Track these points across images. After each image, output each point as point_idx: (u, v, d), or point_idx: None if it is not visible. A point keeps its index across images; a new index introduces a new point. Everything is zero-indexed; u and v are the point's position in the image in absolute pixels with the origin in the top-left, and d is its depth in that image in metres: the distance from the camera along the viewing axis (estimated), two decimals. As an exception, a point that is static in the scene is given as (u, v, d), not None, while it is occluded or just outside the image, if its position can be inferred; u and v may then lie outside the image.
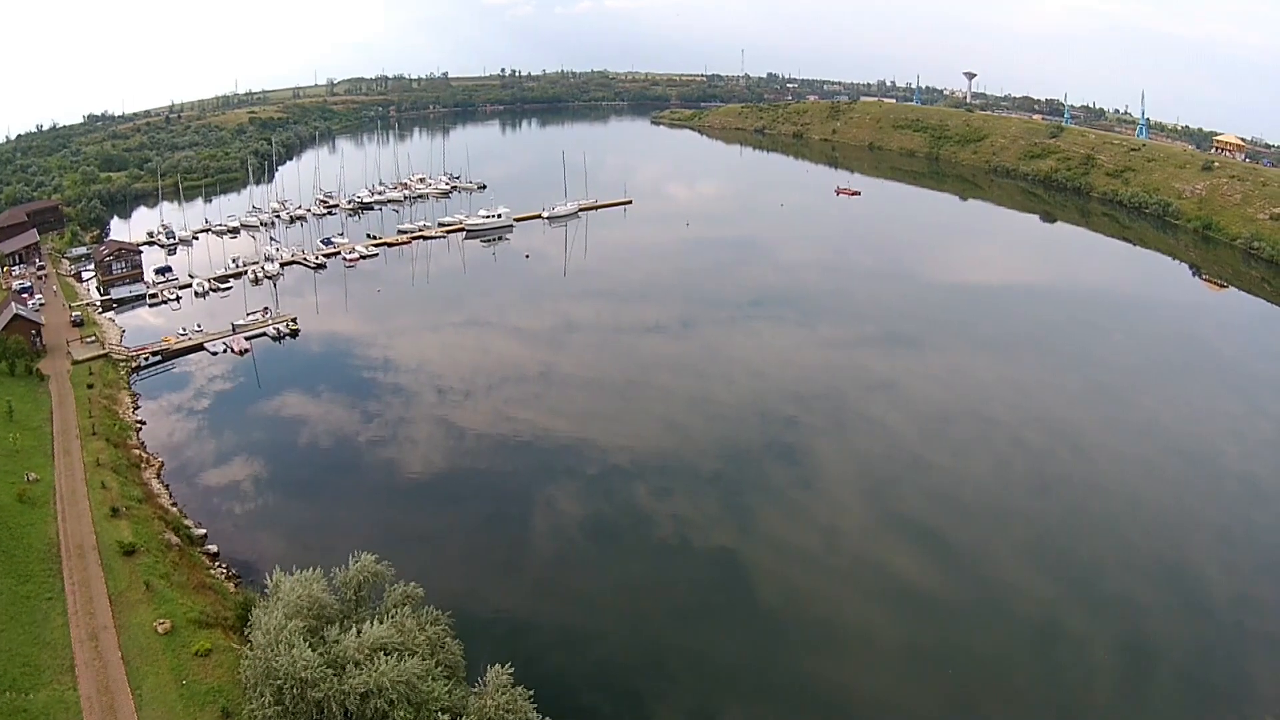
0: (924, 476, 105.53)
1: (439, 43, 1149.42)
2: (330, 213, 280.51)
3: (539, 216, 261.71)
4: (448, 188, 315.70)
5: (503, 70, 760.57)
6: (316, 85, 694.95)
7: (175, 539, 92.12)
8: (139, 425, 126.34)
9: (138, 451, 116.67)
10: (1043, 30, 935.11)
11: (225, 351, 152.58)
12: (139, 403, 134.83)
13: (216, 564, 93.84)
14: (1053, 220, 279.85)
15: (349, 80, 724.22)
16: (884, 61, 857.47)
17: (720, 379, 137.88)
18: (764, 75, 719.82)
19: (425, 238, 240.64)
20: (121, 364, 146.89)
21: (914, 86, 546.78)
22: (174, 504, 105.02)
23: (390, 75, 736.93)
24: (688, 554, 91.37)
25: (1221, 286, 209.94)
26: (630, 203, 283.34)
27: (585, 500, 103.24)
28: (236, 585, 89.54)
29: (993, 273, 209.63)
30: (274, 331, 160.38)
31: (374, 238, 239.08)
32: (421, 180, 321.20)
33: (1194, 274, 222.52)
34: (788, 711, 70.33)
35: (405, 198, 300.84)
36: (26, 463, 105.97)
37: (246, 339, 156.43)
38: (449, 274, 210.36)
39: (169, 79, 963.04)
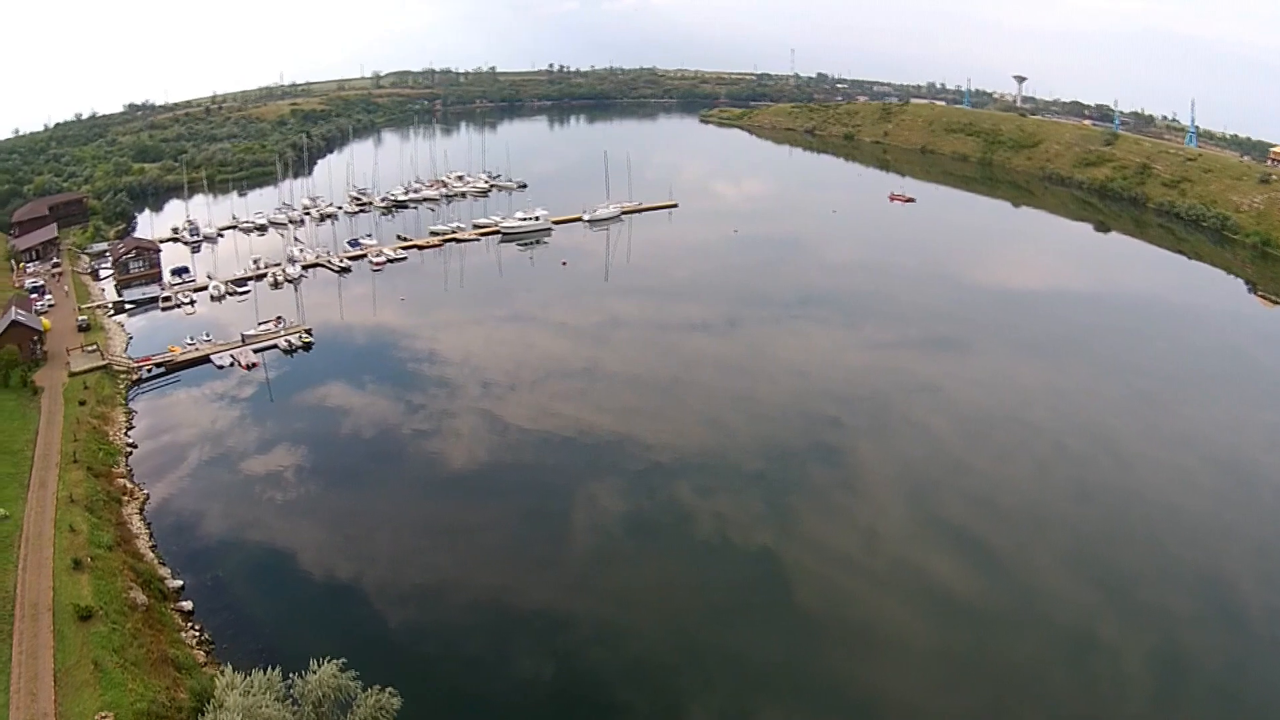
0: (965, 480, 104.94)
1: (485, 37, 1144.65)
2: (363, 211, 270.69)
3: (579, 219, 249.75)
4: (486, 186, 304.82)
5: (550, 65, 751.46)
6: (362, 78, 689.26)
7: (143, 597, 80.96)
8: (129, 450, 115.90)
9: (123, 481, 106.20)
10: (1087, 32, 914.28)
11: (232, 365, 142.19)
12: (133, 422, 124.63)
13: (190, 625, 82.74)
14: (1107, 230, 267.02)
15: (395, 73, 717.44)
16: (933, 64, 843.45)
17: (764, 378, 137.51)
18: (814, 75, 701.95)
19: (458, 240, 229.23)
20: (122, 376, 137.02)
21: (963, 89, 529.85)
22: (153, 546, 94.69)
23: (437, 69, 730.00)
24: (728, 553, 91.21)
25: (1275, 303, 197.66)
26: (676, 205, 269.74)
27: (627, 497, 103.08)
28: (208, 654, 78.92)
29: (1041, 279, 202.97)
30: (285, 344, 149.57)
31: (404, 239, 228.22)
32: (459, 178, 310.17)
33: (1249, 290, 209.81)
34: (822, 714, 70.99)
35: (442, 196, 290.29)
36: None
37: (256, 351, 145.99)
38: (481, 280, 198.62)
39: (213, 70, 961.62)
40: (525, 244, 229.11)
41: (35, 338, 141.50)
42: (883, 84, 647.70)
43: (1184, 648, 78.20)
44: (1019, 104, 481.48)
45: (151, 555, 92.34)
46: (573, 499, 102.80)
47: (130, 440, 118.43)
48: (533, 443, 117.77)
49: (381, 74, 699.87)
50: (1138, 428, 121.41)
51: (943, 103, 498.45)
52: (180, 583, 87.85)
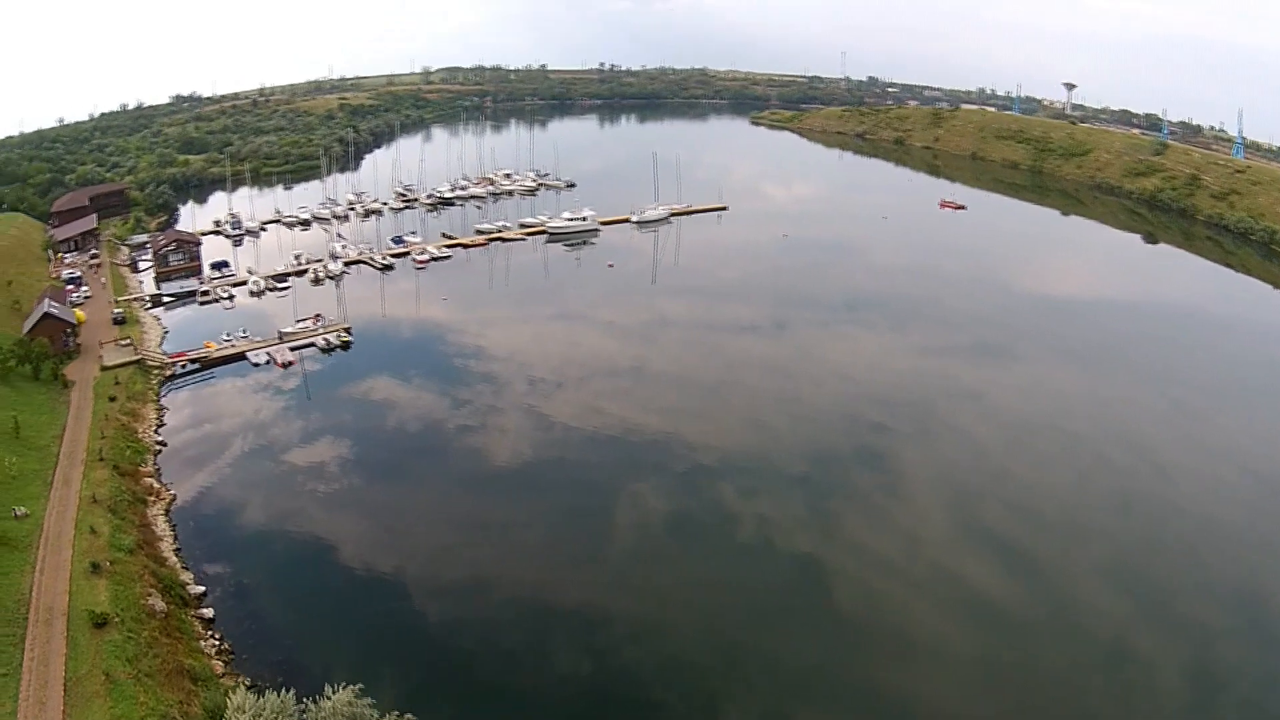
0: (1006, 488, 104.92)
1: (537, 34, 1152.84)
2: (408, 208, 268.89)
3: (627, 220, 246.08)
4: (534, 185, 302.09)
5: (601, 64, 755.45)
6: (411, 73, 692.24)
7: (161, 604, 77.90)
8: (158, 448, 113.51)
9: (149, 480, 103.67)
10: (1134, 40, 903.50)
11: (268, 363, 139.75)
12: (164, 419, 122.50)
13: (209, 633, 79.63)
14: (1155, 241, 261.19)
15: (445, 69, 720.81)
16: (982, 70, 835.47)
17: (809, 381, 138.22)
18: (864, 79, 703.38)
19: (504, 239, 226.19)
20: (154, 372, 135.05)
21: (1013, 95, 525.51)
22: (177, 549, 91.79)
23: (487, 66, 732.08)
24: (768, 555, 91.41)
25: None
26: (725, 208, 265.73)
27: (670, 496, 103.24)
28: (227, 664, 75.72)
29: (1088, 288, 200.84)
30: (323, 342, 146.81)
31: (449, 237, 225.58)
32: (507, 176, 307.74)
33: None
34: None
35: (488, 194, 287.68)
36: (20, 493, 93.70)
37: (293, 349, 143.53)
38: (526, 280, 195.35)
39: (262, 62, 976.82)
40: (572, 244, 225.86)
41: (68, 330, 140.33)
42: (933, 89, 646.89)
43: (1218, 661, 77.59)
44: (1068, 111, 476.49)
45: (174, 559, 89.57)
46: (616, 497, 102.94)
47: (160, 438, 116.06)
48: (577, 440, 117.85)
49: (432, 70, 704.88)
50: (1178, 439, 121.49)
51: (993, 109, 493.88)
52: (202, 589, 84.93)
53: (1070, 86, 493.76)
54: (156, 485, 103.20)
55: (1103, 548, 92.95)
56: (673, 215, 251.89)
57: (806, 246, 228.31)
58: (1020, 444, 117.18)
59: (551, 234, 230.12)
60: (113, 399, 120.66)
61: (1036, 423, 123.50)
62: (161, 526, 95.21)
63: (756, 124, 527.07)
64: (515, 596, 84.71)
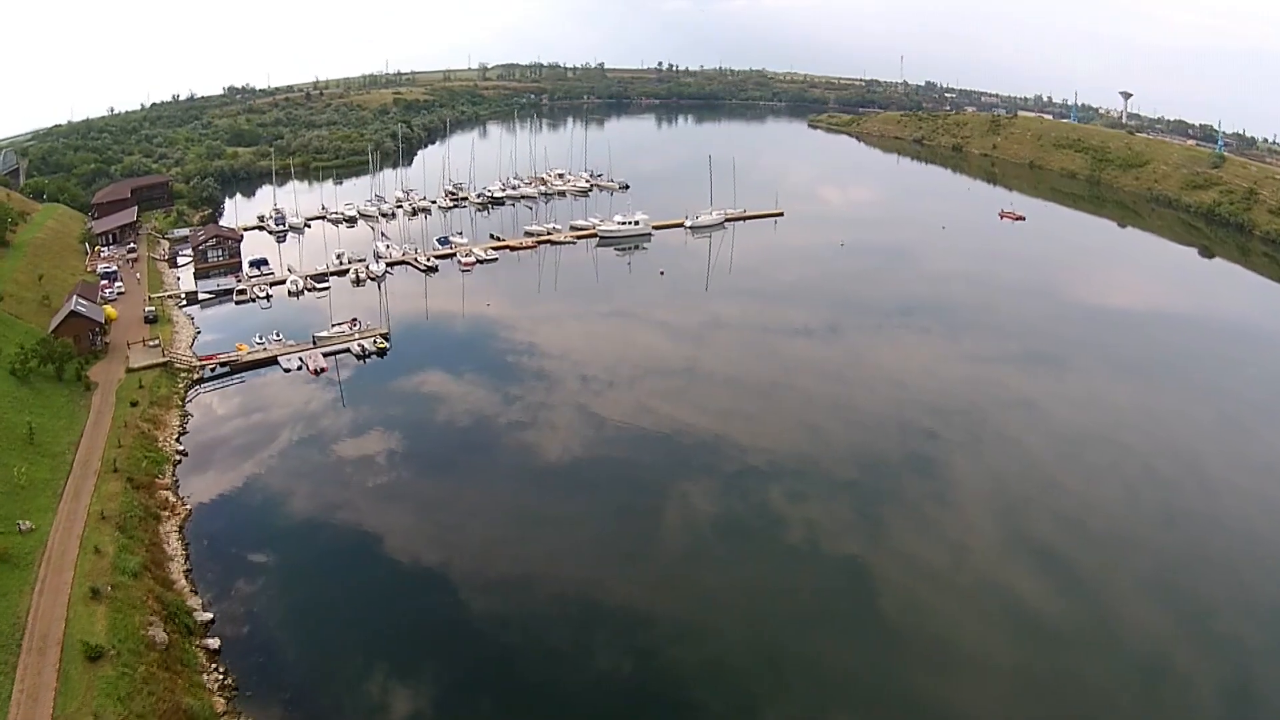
0: (1055, 500, 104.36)
1: (595, 32, 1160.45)
2: (458, 206, 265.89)
3: (680, 225, 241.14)
4: (587, 186, 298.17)
5: (659, 64, 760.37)
6: (469, 69, 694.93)
7: (162, 634, 73.28)
8: (178, 458, 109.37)
9: (165, 493, 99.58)
10: (1187, 49, 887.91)
11: (300, 369, 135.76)
12: (187, 426, 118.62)
13: (214, 666, 74.88)
14: (1211, 256, 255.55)
15: (502, 66, 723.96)
16: (1039, 76, 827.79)
17: (862, 386, 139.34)
18: (922, 83, 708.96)
19: (553, 242, 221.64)
20: (182, 375, 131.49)
21: (1070, 103, 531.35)
22: (188, 570, 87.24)
23: (545, 63, 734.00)
24: (815, 560, 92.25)
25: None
26: (781, 214, 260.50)
27: (719, 498, 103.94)
28: (229, 700, 71.07)
29: (1141, 300, 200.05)
30: (359, 348, 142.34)
31: (497, 239, 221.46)
32: (560, 176, 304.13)
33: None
34: (897, 728, 71.56)
35: (540, 195, 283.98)
36: (28, 504, 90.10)
37: (326, 355, 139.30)
38: (575, 285, 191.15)
39: (317, 55, 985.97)
40: (623, 249, 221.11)
41: (95, 329, 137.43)
42: (990, 94, 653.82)
43: (1258, 681, 77.11)
44: (1124, 120, 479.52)
45: (183, 582, 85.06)
46: (665, 497, 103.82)
47: (181, 447, 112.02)
48: (629, 439, 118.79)
49: (489, 66, 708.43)
50: (1226, 454, 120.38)
51: (1050, 116, 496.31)
52: (210, 616, 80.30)
53: (1127, 95, 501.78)
54: (172, 499, 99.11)
55: (1147, 562, 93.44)
56: (728, 220, 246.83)
57: (863, 252, 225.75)
58: (1069, 455, 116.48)
59: (603, 238, 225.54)
60: (134, 404, 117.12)
61: (1086, 433, 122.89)
62: (174, 544, 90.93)
63: (814, 127, 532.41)
64: (561, 594, 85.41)
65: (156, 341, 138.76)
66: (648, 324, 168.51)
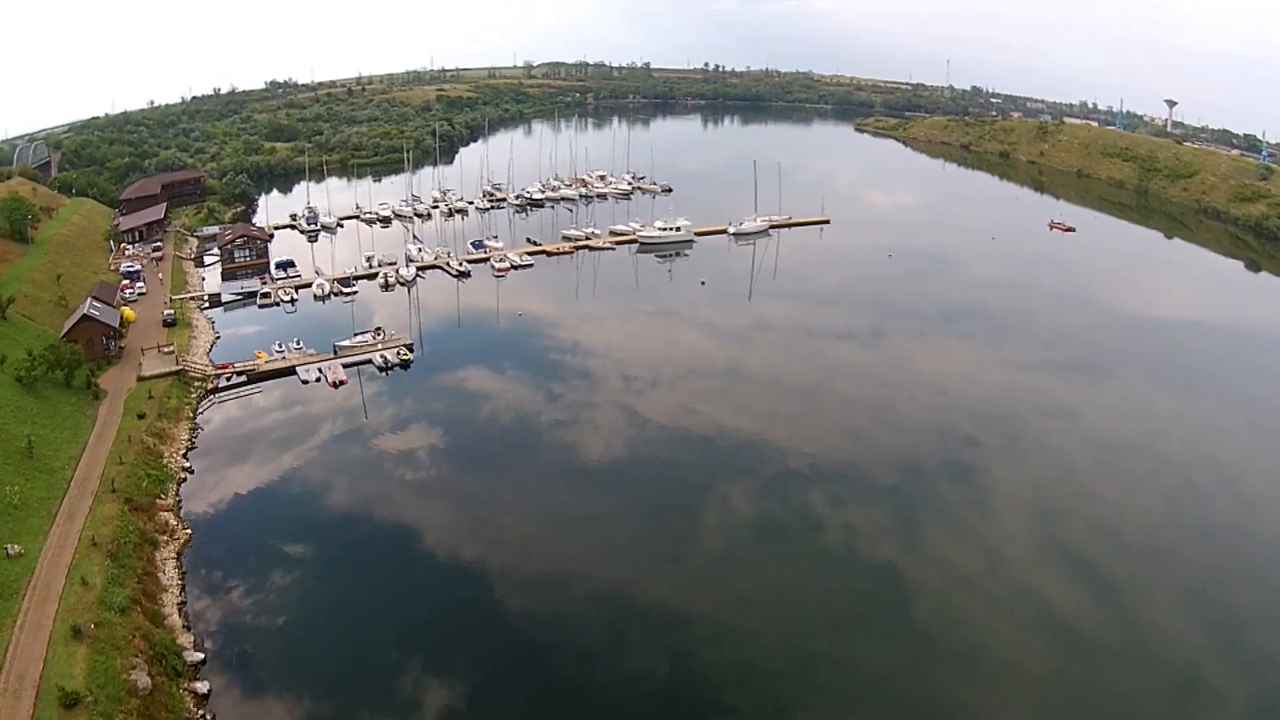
0: (1091, 509, 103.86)
1: (641, 32, 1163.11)
2: (496, 208, 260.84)
3: (724, 231, 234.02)
4: (629, 189, 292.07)
5: (706, 64, 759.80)
6: (514, 67, 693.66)
7: (146, 678, 67.81)
8: (183, 475, 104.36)
9: (165, 516, 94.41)
10: (1232, 55, 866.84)
11: (318, 381, 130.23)
12: (196, 440, 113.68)
13: (200, 713, 69.43)
14: (1257, 269, 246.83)
15: (548, 64, 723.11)
16: (1084, 82, 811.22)
17: (904, 391, 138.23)
18: (968, 88, 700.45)
19: (591, 248, 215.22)
20: (195, 385, 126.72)
21: (1115, 110, 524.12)
22: (181, 604, 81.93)
23: (590, 61, 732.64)
24: (851, 564, 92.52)
25: None
26: (827, 221, 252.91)
27: (758, 500, 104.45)
28: (215, 752, 65.85)
29: (1185, 311, 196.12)
30: (381, 360, 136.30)
31: (533, 243, 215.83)
32: (601, 178, 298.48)
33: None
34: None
35: (580, 197, 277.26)
36: (19, 526, 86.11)
37: (347, 366, 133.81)
38: (612, 293, 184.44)
39: (361, 50, 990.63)
40: (664, 256, 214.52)
41: (108, 334, 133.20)
42: (1035, 100, 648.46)
43: None
44: (1169, 129, 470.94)
45: (176, 617, 79.72)
46: (704, 497, 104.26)
47: (186, 464, 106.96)
48: (670, 442, 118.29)
49: (534, 64, 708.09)
50: (1264, 468, 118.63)
51: (1095, 123, 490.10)
52: (201, 656, 74.81)
53: (1171, 103, 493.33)
54: (173, 522, 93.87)
55: (1182, 573, 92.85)
56: (772, 227, 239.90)
57: (910, 258, 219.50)
58: (1107, 464, 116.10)
59: (643, 244, 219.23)
60: (142, 416, 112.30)
61: (1125, 443, 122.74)
62: (169, 573, 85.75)
63: (861, 130, 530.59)
64: (596, 593, 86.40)
65: (171, 348, 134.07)
66: (690, 325, 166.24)
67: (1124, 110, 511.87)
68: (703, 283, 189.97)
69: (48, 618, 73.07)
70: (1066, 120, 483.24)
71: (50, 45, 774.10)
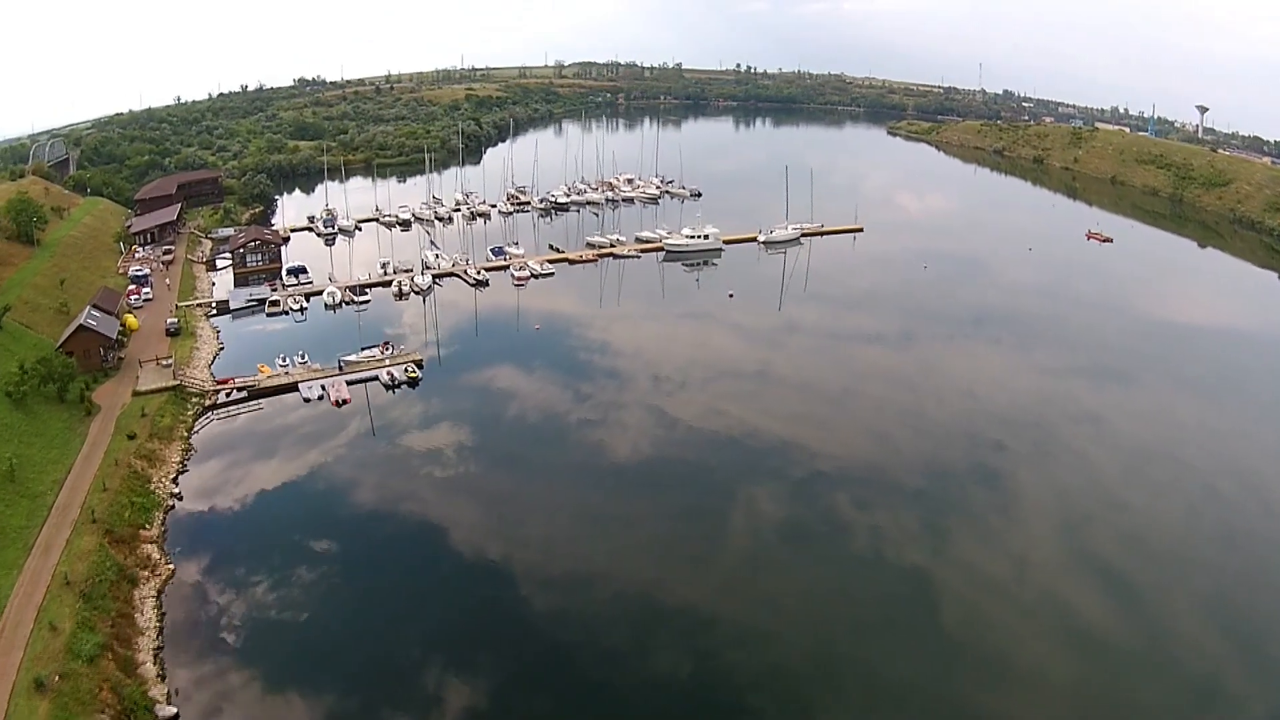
0: (1118, 516, 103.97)
1: (673, 32, 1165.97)
2: (520, 211, 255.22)
3: (753, 240, 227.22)
4: (657, 193, 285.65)
5: (738, 65, 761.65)
6: (545, 66, 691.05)
7: (112, 736, 62.53)
8: (171, 503, 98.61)
9: (148, 549, 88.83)
10: (1258, 60, 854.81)
11: (321, 399, 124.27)
12: (187, 463, 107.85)
13: (169, 773, 64.07)
14: None
15: (579, 64, 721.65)
16: (1116, 87, 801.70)
17: (932, 395, 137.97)
18: (999, 92, 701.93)
19: (615, 256, 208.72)
20: (193, 401, 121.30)
21: (1147, 116, 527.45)
22: (157, 649, 76.14)
23: (622, 62, 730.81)
24: (878, 568, 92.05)
25: None
26: (861, 229, 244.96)
27: (786, 503, 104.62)
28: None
29: (1215, 320, 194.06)
30: (388, 377, 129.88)
31: (555, 250, 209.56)
32: (629, 181, 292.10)
33: None
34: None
35: (607, 201, 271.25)
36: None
37: (351, 384, 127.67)
38: (636, 305, 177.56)
39: (392, 49, 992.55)
40: (691, 264, 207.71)
41: (107, 344, 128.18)
42: (1067, 105, 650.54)
43: None
44: (1200, 135, 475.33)
45: (150, 664, 73.92)
46: (732, 499, 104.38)
47: (176, 490, 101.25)
48: (700, 446, 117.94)
49: (565, 64, 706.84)
50: None
51: (1127, 129, 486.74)
52: (173, 711, 68.87)
53: (1203, 109, 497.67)
54: (155, 556, 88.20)
55: (1207, 582, 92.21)
56: (804, 235, 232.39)
57: (946, 268, 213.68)
58: (1134, 471, 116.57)
59: (669, 252, 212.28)
60: (132, 436, 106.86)
61: (1152, 450, 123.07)
62: (147, 613, 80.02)
63: (894, 134, 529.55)
64: (623, 593, 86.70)
65: (169, 361, 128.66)
66: (719, 328, 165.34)
67: (1155, 116, 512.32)
68: (731, 295, 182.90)
69: (12, 666, 68.01)
70: (1099, 126, 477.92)
71: (83, 41, 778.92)
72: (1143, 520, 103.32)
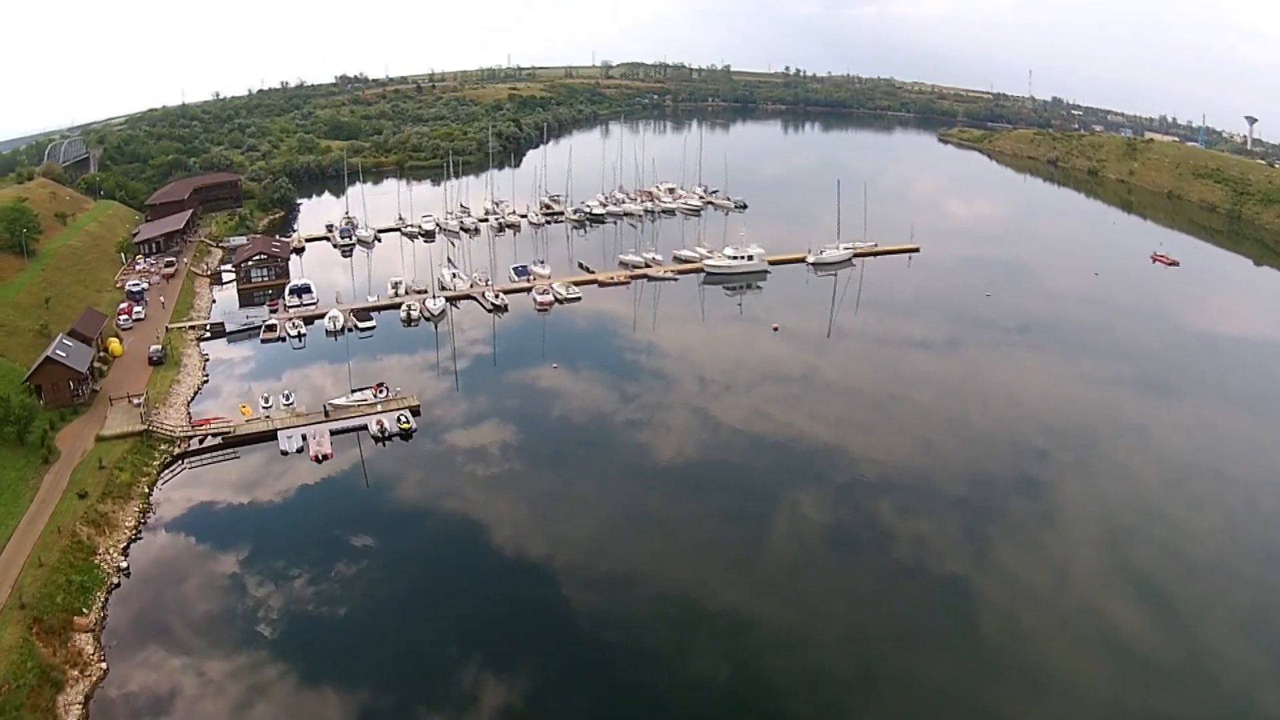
0: (1159, 529, 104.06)
1: (721, 34, 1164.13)
2: (552, 222, 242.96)
3: (802, 260, 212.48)
4: (700, 204, 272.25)
5: (786, 68, 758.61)
6: (592, 66, 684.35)
7: None
8: (117, 580, 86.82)
9: (81, 641, 77.01)
10: None
11: (300, 452, 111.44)
12: (141, 529, 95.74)
13: None
14: None
15: (626, 64, 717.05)
16: (1165, 95, 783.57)
17: (978, 403, 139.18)
18: (1049, 99, 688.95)
19: (650, 277, 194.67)
20: (160, 450, 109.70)
21: (1196, 126, 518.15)
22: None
23: (670, 63, 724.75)
24: (918, 575, 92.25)
25: None
26: (917, 249, 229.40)
27: (828, 508, 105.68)
28: None
29: (1260, 331, 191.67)
30: (378, 427, 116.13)
31: (585, 269, 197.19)
32: (670, 191, 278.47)
33: None
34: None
35: (646, 212, 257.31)
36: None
37: (336, 432, 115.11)
38: (669, 336, 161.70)
39: (439, 48, 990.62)
40: (733, 288, 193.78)
41: (77, 379, 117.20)
42: (1116, 113, 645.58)
43: None
44: (1249, 146, 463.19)
45: (50, 808, 62.56)
46: (775, 503, 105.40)
47: (124, 564, 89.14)
48: (744, 449, 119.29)
49: (612, 64, 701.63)
50: None
51: (1176, 138, 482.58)
52: None
53: (1252, 120, 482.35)
54: (89, 650, 76.31)
55: (1244, 596, 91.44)
56: (855, 256, 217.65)
57: (1009, 297, 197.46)
58: (1176, 484, 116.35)
59: (710, 274, 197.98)
60: (83, 495, 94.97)
61: (1194, 463, 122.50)
62: (63, 735, 68.39)
63: (945, 141, 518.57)
64: (664, 593, 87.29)
65: (139, 400, 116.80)
66: (764, 341, 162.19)
67: (1204, 126, 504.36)
68: (775, 328, 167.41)
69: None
70: (1150, 136, 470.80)
71: (129, 37, 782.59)
72: (1184, 533, 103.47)
